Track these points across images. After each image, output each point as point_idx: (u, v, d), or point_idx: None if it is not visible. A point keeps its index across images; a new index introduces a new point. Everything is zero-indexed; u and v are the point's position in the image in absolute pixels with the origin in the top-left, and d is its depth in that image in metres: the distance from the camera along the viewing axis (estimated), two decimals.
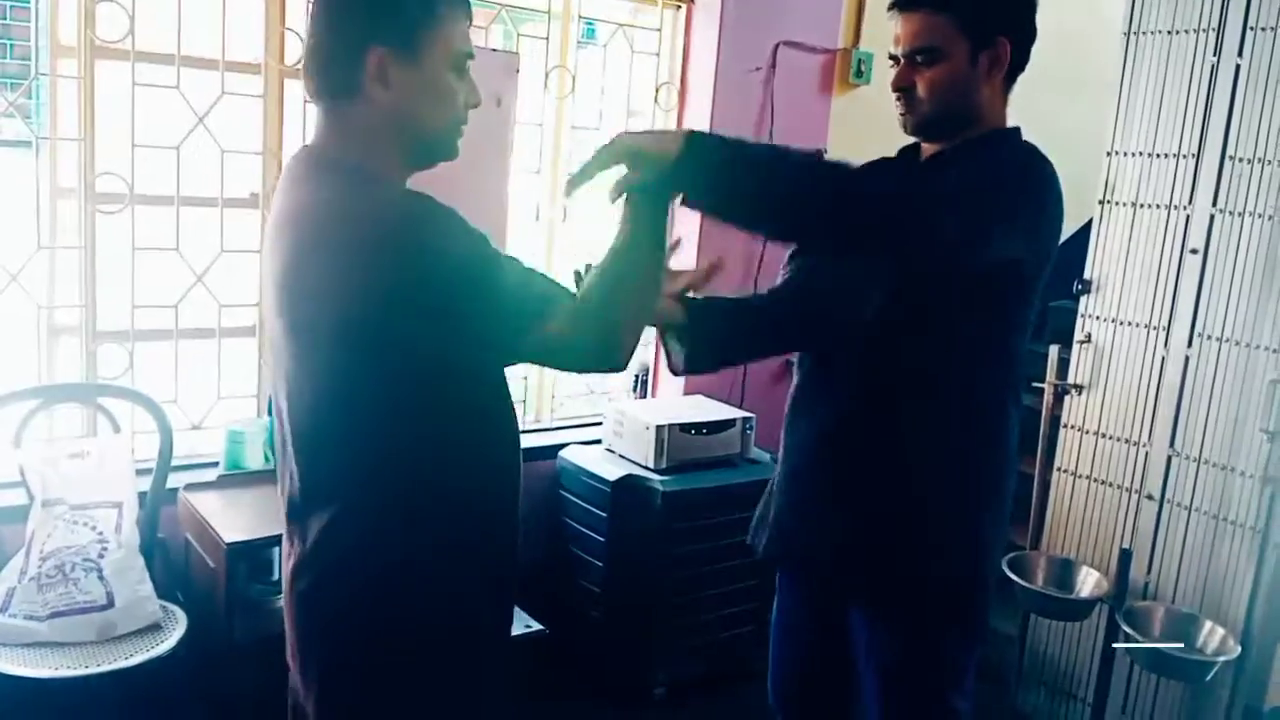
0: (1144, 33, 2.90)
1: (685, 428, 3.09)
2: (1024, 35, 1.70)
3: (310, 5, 1.37)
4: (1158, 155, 2.88)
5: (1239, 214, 2.71)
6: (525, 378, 3.47)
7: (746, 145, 1.48)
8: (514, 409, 1.49)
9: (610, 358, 1.36)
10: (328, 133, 1.38)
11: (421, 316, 1.26)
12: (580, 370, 1.63)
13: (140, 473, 2.57)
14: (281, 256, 1.34)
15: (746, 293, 2.09)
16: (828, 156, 1.78)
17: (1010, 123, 1.77)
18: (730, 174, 1.42)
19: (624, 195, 1.38)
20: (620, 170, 1.39)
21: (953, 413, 1.70)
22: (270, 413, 2.83)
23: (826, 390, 1.79)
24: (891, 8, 1.72)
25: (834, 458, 1.77)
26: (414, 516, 1.37)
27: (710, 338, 1.73)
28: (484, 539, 1.44)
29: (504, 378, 1.45)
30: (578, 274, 1.58)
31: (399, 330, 1.26)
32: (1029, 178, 1.65)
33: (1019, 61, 1.71)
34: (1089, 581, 2.86)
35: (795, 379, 1.87)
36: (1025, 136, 1.76)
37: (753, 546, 1.95)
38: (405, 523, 1.36)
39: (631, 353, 1.38)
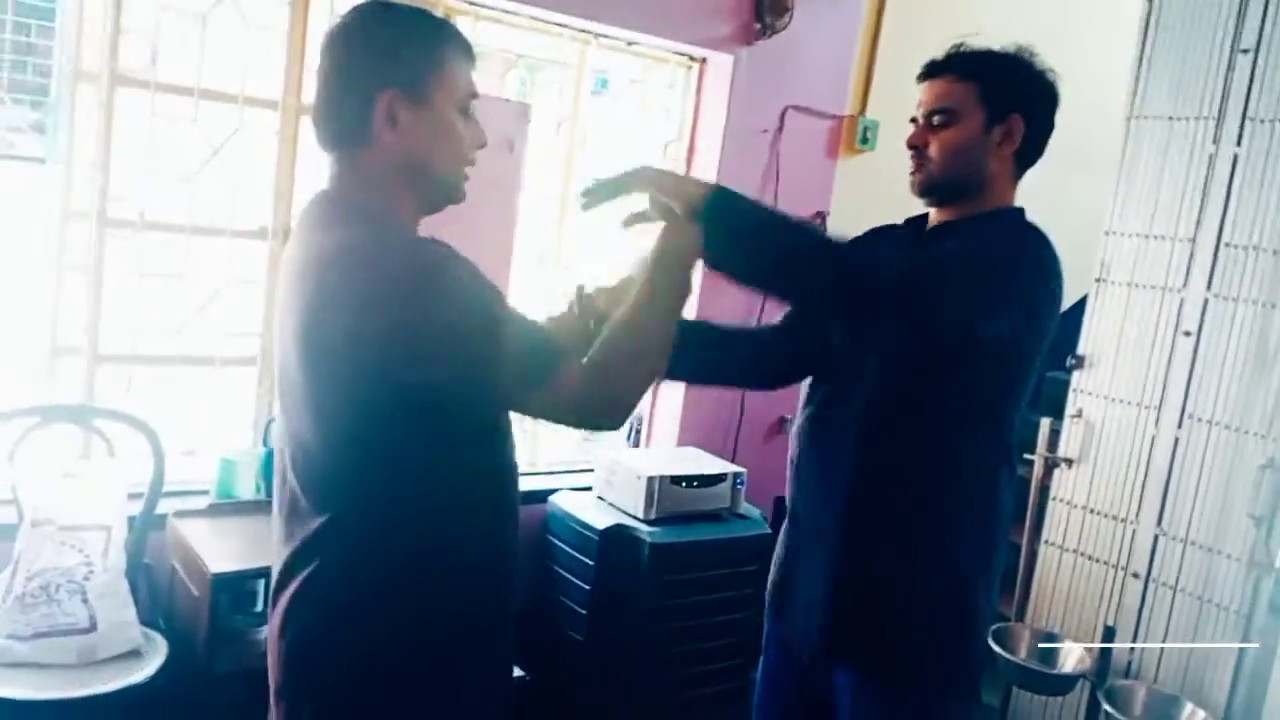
0: (1145, 118, 2.97)
1: (676, 480, 3.10)
2: (1040, 120, 1.75)
3: (320, 55, 1.40)
4: (1154, 237, 2.92)
5: (1232, 299, 2.75)
6: (523, 422, 3.47)
7: (765, 208, 1.54)
8: (514, 451, 1.50)
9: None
10: (342, 178, 1.41)
11: (429, 363, 1.28)
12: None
13: (132, 497, 2.57)
14: (301, 301, 1.35)
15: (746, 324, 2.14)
16: (831, 227, 1.82)
17: (1017, 203, 1.81)
18: (747, 234, 1.48)
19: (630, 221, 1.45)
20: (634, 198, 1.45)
21: (946, 480, 1.72)
22: (265, 443, 2.84)
23: (827, 457, 1.81)
24: (921, 77, 1.79)
25: (832, 523, 1.79)
26: (417, 559, 1.37)
27: (695, 354, 1.76)
28: (484, 581, 1.44)
29: (508, 420, 1.46)
30: (580, 290, 1.61)
31: (408, 375, 1.28)
32: (1029, 255, 1.69)
33: (1031, 147, 1.76)
34: (1072, 657, 2.85)
35: (794, 448, 1.89)
36: (1027, 208, 1.79)
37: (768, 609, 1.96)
38: (408, 565, 1.37)
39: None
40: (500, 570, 1.47)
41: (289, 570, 1.41)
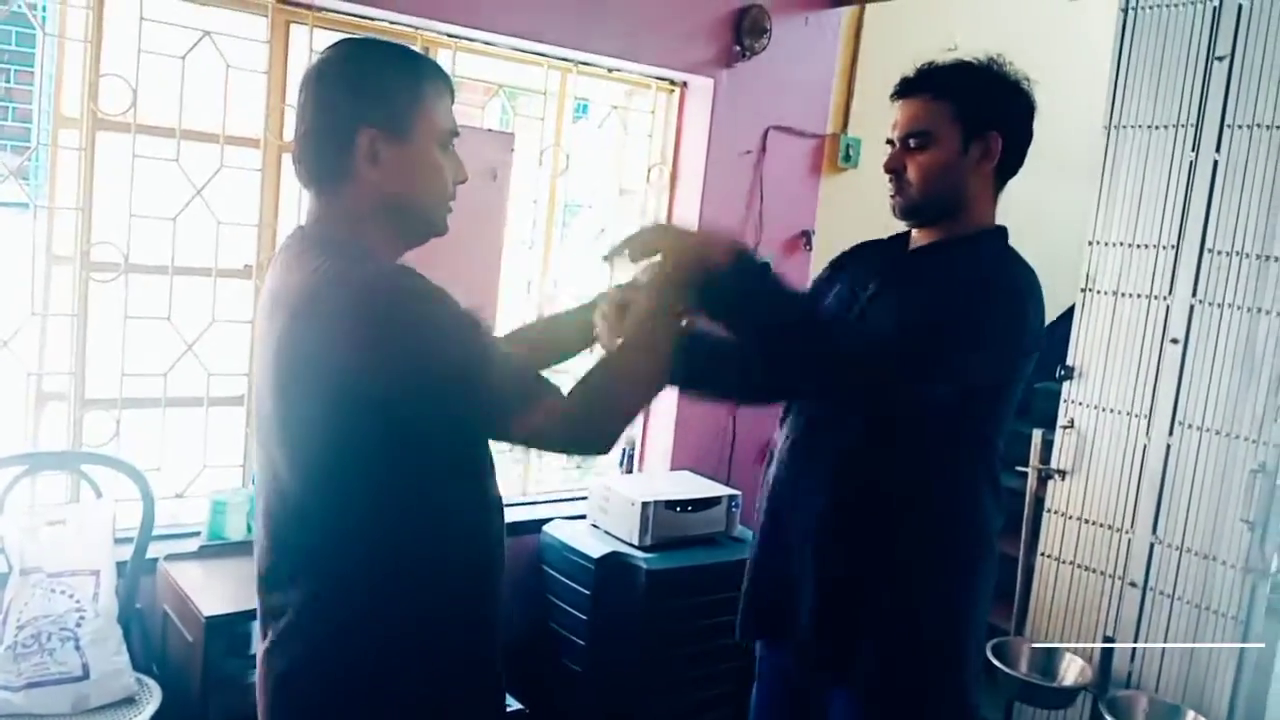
0: (1124, 127, 2.98)
1: (671, 504, 3.09)
2: (1017, 133, 1.75)
3: (300, 95, 1.40)
4: (1138, 246, 2.94)
5: (1218, 305, 2.76)
6: (510, 449, 3.46)
7: (776, 279, 1.58)
8: (496, 484, 1.49)
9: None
10: (321, 214, 1.40)
11: (407, 394, 1.27)
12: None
13: (121, 541, 2.55)
14: (275, 332, 1.35)
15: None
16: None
17: (998, 214, 1.81)
18: (754, 305, 1.54)
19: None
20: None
21: (928, 503, 1.71)
22: (255, 483, 2.82)
23: (807, 474, 1.81)
24: (894, 96, 1.78)
25: (816, 537, 1.78)
26: (398, 595, 1.36)
27: (693, 363, 1.75)
28: (468, 616, 1.43)
29: (488, 452, 1.46)
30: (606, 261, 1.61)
31: (384, 406, 1.27)
32: (1006, 295, 1.67)
33: (1010, 160, 1.75)
34: (1072, 669, 2.85)
35: (772, 465, 1.88)
36: (1008, 219, 1.79)
37: (741, 631, 1.95)
38: (389, 601, 1.35)
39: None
40: (485, 601, 1.46)
41: (274, 607, 1.40)
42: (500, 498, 1.50)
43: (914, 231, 1.84)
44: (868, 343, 1.63)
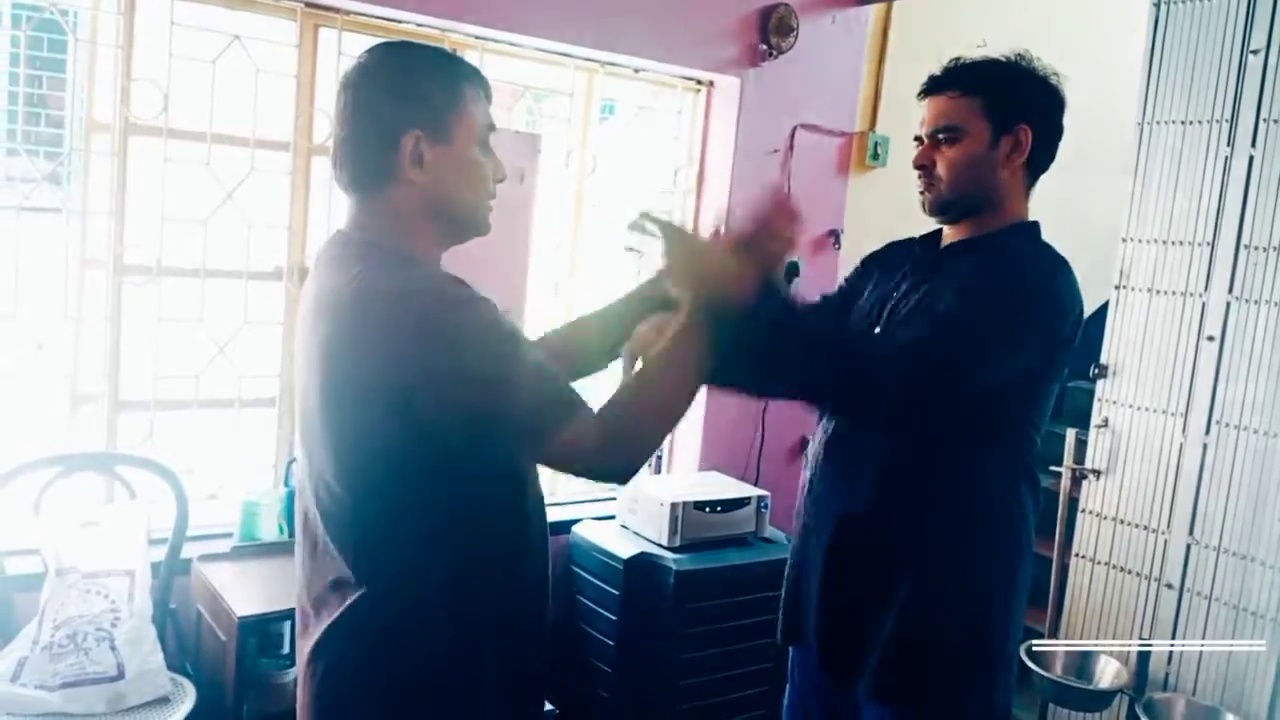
0: (1158, 122, 2.95)
1: (700, 505, 3.08)
2: (1048, 127, 1.73)
3: (340, 100, 1.40)
4: (1173, 243, 2.90)
5: (1255, 302, 2.72)
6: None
7: (796, 313, 1.56)
8: (538, 485, 1.49)
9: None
10: (363, 217, 1.41)
11: (441, 405, 1.28)
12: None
13: (155, 542, 2.57)
14: (316, 338, 1.35)
15: None
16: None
17: (1031, 211, 1.78)
18: (778, 356, 1.52)
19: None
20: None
21: (967, 500, 1.70)
22: (287, 484, 2.84)
23: (843, 473, 1.79)
24: (921, 94, 1.77)
25: (851, 541, 1.77)
26: (443, 595, 1.37)
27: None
28: (513, 619, 1.44)
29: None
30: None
31: (418, 414, 1.28)
32: (1040, 291, 1.65)
33: (1041, 154, 1.73)
34: (1108, 671, 2.81)
35: (808, 467, 1.87)
36: (1040, 215, 1.77)
37: (781, 634, 1.94)
38: (435, 601, 1.36)
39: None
40: (526, 609, 1.46)
41: (318, 606, 1.41)
42: (542, 498, 1.50)
43: (945, 229, 1.82)
44: (899, 372, 1.57)
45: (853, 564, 1.76)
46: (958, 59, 1.75)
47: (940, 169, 1.72)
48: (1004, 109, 1.70)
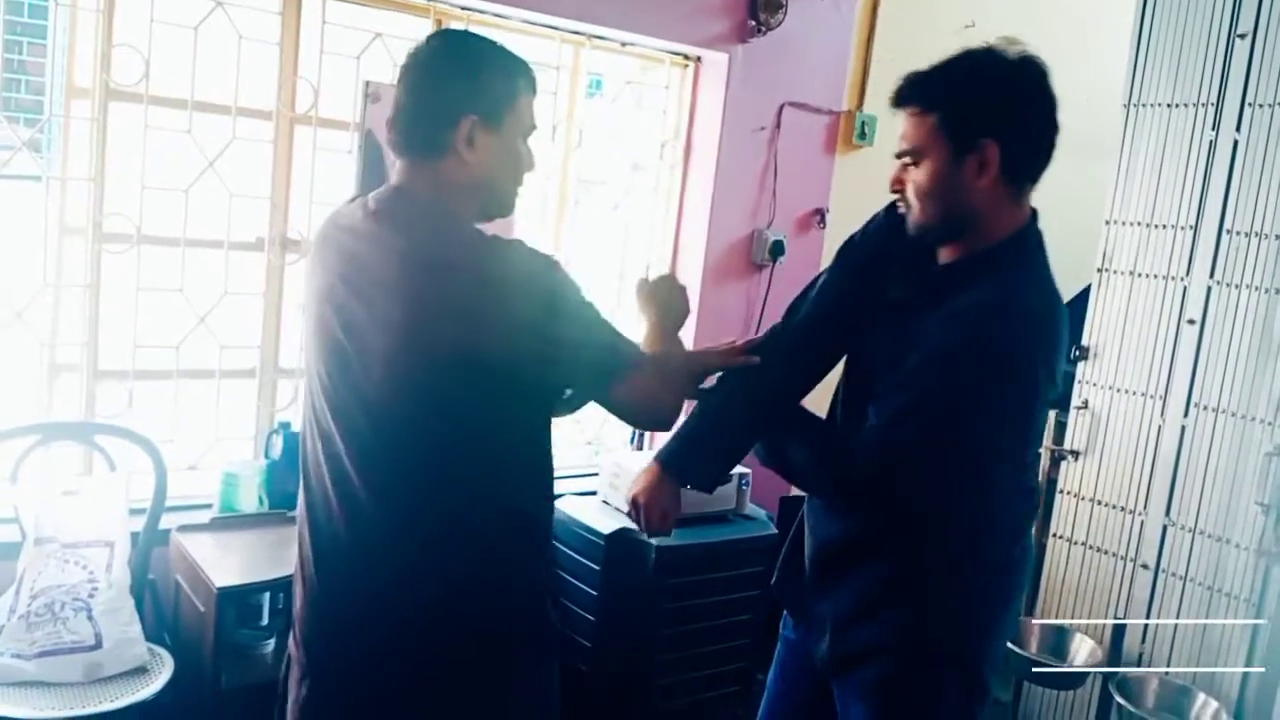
0: (1144, 105, 2.95)
1: None
2: (1019, 137, 1.58)
3: (407, 71, 1.55)
4: (1156, 226, 2.91)
5: (1235, 286, 2.74)
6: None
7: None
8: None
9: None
10: (415, 181, 1.55)
11: (538, 348, 1.47)
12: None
13: (134, 512, 2.56)
14: (406, 286, 1.47)
15: None
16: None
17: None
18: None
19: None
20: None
21: (961, 513, 1.67)
22: (267, 455, 2.83)
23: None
24: (890, 105, 1.66)
25: (844, 533, 1.77)
26: (502, 531, 1.54)
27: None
28: (545, 553, 1.67)
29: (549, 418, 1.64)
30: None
31: (518, 361, 1.46)
32: (1026, 367, 1.57)
33: (1020, 165, 1.59)
34: (1083, 650, 2.84)
35: None
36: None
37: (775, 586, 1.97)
38: (496, 537, 1.54)
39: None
40: (545, 553, 1.68)
41: (383, 550, 1.51)
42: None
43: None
44: (878, 468, 1.61)
45: (844, 579, 1.76)
46: (917, 71, 1.62)
47: (910, 192, 1.62)
48: (964, 126, 1.56)
